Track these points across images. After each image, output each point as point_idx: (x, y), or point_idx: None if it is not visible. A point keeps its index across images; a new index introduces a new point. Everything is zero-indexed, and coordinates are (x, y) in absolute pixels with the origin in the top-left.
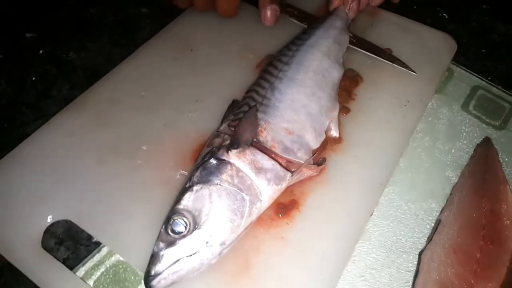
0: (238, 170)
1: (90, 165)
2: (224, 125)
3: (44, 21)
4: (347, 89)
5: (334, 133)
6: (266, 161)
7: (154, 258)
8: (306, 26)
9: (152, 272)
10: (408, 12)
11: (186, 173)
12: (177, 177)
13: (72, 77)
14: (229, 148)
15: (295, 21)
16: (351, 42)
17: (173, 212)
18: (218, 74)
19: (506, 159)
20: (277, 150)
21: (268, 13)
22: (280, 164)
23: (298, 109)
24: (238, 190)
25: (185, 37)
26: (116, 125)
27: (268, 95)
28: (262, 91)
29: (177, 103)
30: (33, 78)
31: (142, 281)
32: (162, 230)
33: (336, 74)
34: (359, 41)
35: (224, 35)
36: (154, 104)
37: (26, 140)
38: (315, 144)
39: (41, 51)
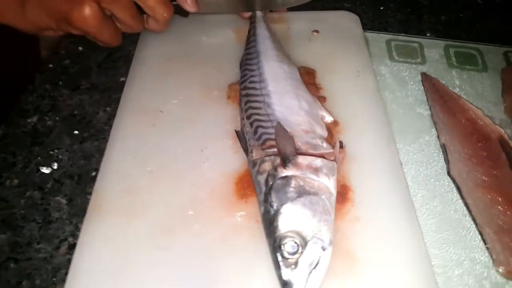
0: (304, 178)
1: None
2: (256, 152)
3: None
4: (310, 82)
5: (329, 118)
6: (315, 161)
7: (288, 285)
8: None
9: None
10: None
11: (244, 213)
12: (239, 220)
13: None
14: (284, 165)
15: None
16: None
17: (277, 240)
18: (200, 121)
19: None
20: (310, 150)
21: None
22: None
23: (297, 111)
24: (314, 194)
25: (146, 107)
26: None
27: (270, 111)
28: (262, 110)
29: (186, 161)
30: None
31: None
32: (280, 262)
33: (296, 70)
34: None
35: (182, 81)
36: (162, 177)
37: None
38: (324, 132)
39: None
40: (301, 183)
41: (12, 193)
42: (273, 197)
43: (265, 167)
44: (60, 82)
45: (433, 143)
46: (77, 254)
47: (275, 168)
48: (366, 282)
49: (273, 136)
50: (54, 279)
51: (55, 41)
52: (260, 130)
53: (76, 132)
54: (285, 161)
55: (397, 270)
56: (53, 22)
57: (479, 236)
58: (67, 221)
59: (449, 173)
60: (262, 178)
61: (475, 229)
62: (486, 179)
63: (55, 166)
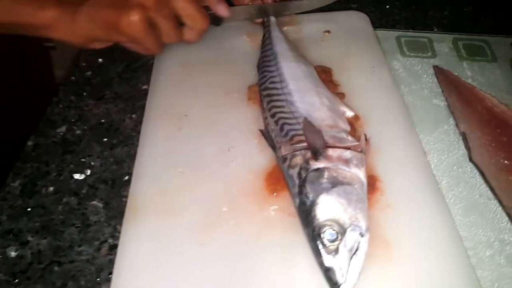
0: (336, 169)
1: None
2: (285, 147)
3: None
4: (327, 80)
5: (350, 113)
6: (345, 153)
7: (331, 271)
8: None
9: (339, 281)
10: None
11: (276, 207)
12: (272, 214)
13: None
14: (315, 157)
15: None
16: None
17: (316, 229)
18: (224, 123)
19: None
20: (336, 143)
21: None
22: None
23: (320, 107)
24: (347, 184)
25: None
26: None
27: (293, 109)
28: (285, 108)
29: (215, 161)
30: None
31: None
32: (321, 250)
33: (313, 69)
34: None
35: (203, 86)
36: (194, 177)
37: None
38: (347, 127)
39: None
40: (334, 174)
41: (48, 200)
42: (308, 189)
43: (297, 161)
44: (85, 93)
45: (452, 132)
46: (120, 254)
47: (306, 161)
48: (402, 268)
49: (300, 132)
50: (98, 279)
51: (70, 61)
52: (287, 127)
53: (105, 139)
54: (316, 154)
55: (431, 254)
56: (103, 31)
57: (507, 218)
58: (106, 224)
59: (471, 159)
60: (294, 172)
61: (502, 211)
62: (508, 162)
63: (88, 172)
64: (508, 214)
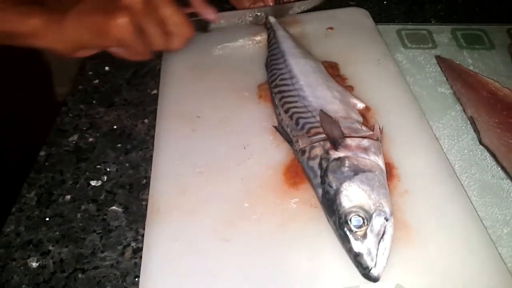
0: (356, 158)
1: None
2: (302, 140)
3: None
4: (335, 74)
5: (361, 105)
6: (363, 142)
7: (360, 256)
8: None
9: (370, 266)
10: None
11: (297, 199)
12: (294, 206)
13: None
14: (335, 147)
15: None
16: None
17: (343, 217)
18: (237, 121)
19: None
20: (352, 133)
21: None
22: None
23: (332, 100)
24: (368, 171)
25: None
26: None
27: (306, 103)
28: (298, 103)
29: (232, 159)
30: None
31: None
32: (349, 236)
33: (321, 64)
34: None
35: (212, 88)
36: (212, 175)
37: None
38: (360, 118)
39: None
40: (355, 162)
41: (66, 208)
42: (331, 178)
43: (316, 152)
44: (94, 101)
45: (459, 118)
46: (145, 256)
47: (326, 152)
48: (424, 249)
49: (316, 124)
50: (124, 283)
51: (71, 78)
52: (302, 121)
53: (119, 145)
54: (335, 144)
55: (452, 234)
56: (90, 36)
57: None
58: (127, 228)
59: (481, 142)
60: (315, 163)
61: None
62: None
63: (105, 178)
64: None
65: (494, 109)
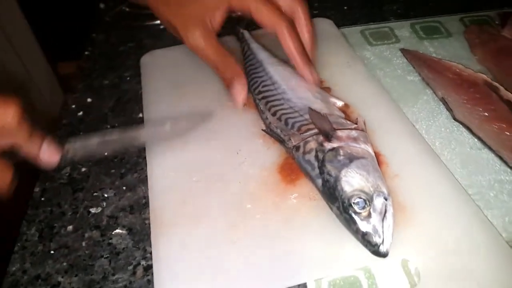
0: (348, 147)
1: None
2: (295, 138)
3: None
4: None
5: (340, 103)
6: (352, 132)
7: (368, 235)
8: None
9: (378, 242)
10: None
11: (296, 194)
12: (294, 201)
13: None
14: (328, 139)
15: None
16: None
17: (346, 201)
18: (226, 130)
19: None
20: (340, 127)
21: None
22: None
23: (314, 100)
24: (362, 158)
25: None
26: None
27: (292, 104)
28: (284, 105)
29: (226, 165)
30: None
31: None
32: (355, 217)
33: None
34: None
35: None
36: (210, 183)
37: None
38: (341, 114)
39: None
40: (349, 151)
41: (70, 238)
42: (329, 167)
43: (311, 145)
44: (81, 132)
45: (431, 100)
46: (156, 271)
47: (321, 144)
48: (421, 226)
49: (305, 122)
50: None
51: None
52: (291, 121)
53: (113, 170)
54: (328, 136)
55: (442, 209)
56: None
57: (499, 161)
58: (134, 248)
59: (455, 119)
60: (311, 157)
61: (493, 156)
62: (487, 114)
63: (104, 204)
64: (499, 157)
65: (462, 88)
